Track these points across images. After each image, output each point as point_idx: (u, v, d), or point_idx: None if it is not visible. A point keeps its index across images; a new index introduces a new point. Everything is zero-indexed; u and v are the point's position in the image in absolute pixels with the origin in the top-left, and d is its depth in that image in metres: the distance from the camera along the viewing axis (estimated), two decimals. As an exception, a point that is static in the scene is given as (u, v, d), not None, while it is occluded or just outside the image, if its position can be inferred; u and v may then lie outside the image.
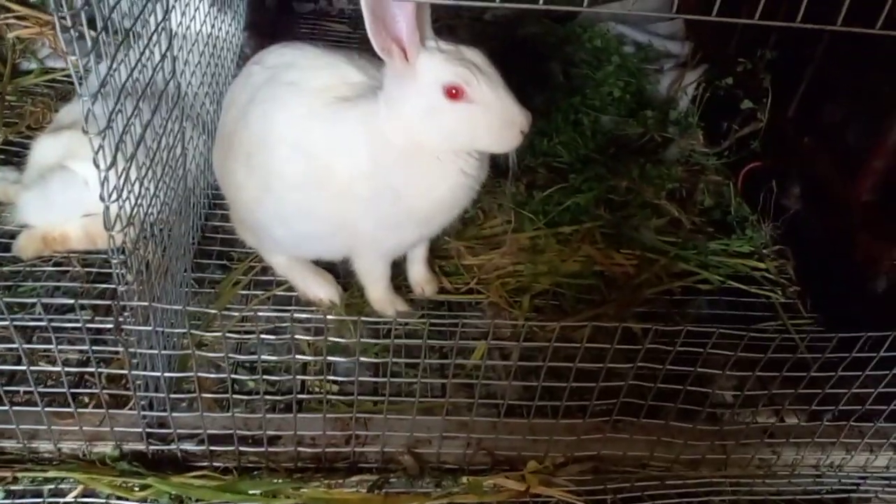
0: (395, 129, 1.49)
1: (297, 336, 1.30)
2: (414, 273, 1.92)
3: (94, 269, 1.85)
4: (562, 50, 2.72)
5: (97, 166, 1.04)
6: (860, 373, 1.42)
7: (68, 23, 0.88)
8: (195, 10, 1.86)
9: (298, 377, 1.61)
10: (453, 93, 1.43)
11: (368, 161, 1.53)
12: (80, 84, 0.96)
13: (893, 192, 1.89)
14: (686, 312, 1.97)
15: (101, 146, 1.04)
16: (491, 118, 1.47)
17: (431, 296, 1.92)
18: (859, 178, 1.97)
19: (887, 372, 1.42)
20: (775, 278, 2.09)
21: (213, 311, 1.25)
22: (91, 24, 1.00)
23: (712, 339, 1.32)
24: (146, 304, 1.22)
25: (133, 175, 1.21)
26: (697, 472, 1.56)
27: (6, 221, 1.91)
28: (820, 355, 1.40)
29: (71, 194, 1.77)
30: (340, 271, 1.91)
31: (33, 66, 2.49)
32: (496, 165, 2.29)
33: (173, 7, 1.62)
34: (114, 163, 1.08)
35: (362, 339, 1.57)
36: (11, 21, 2.51)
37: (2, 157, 2.13)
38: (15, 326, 1.41)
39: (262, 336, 1.29)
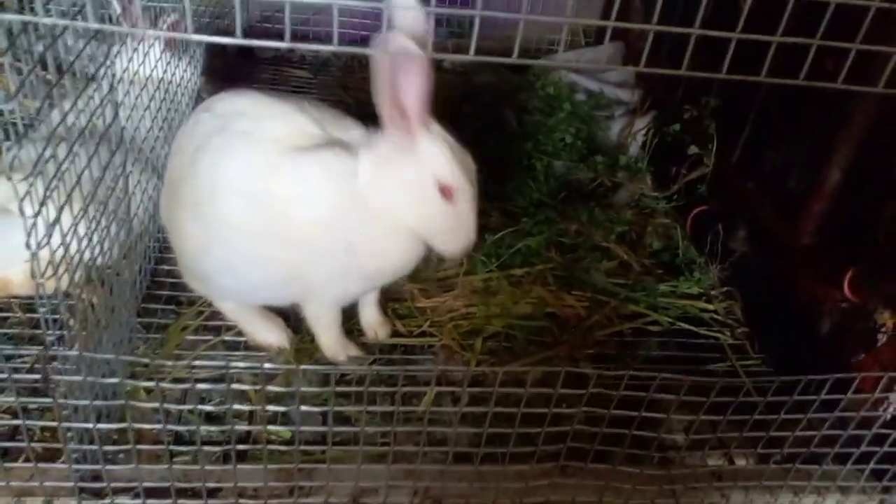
0: (375, 194, 1.50)
1: (236, 385, 1.28)
2: (366, 316, 1.91)
3: (38, 315, 1.79)
4: (516, 97, 2.78)
5: (22, 213, 1.02)
6: (803, 415, 1.44)
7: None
8: (145, 55, 1.85)
9: (242, 427, 1.58)
10: (446, 192, 1.47)
11: (329, 211, 1.52)
12: (6, 129, 0.94)
13: (832, 235, 1.94)
14: (637, 354, 1.98)
15: (27, 192, 1.02)
16: (460, 228, 1.54)
17: (384, 339, 1.90)
18: (800, 221, 2.02)
19: (830, 414, 1.44)
20: (723, 319, 2.12)
21: (145, 361, 1.21)
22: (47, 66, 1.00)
23: (656, 382, 1.33)
24: (76, 353, 1.18)
25: (67, 221, 1.19)
26: (647, 517, 1.55)
27: (-56, 266, 1.86)
28: (763, 398, 1.42)
29: (12, 239, 1.71)
30: (291, 315, 1.89)
31: (-21, 108, 2.46)
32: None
33: (118, 52, 1.62)
34: (41, 209, 1.06)
35: (306, 388, 1.54)
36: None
37: (-57, 200, 2.09)
38: (-54, 376, 1.37)
39: (200, 385, 1.26)
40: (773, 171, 2.19)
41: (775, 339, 2.04)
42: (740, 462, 1.69)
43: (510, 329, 1.97)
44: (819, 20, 1.06)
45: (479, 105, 2.72)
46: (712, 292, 2.19)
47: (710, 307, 2.15)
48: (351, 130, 1.60)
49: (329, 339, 1.78)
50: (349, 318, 1.87)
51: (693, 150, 2.40)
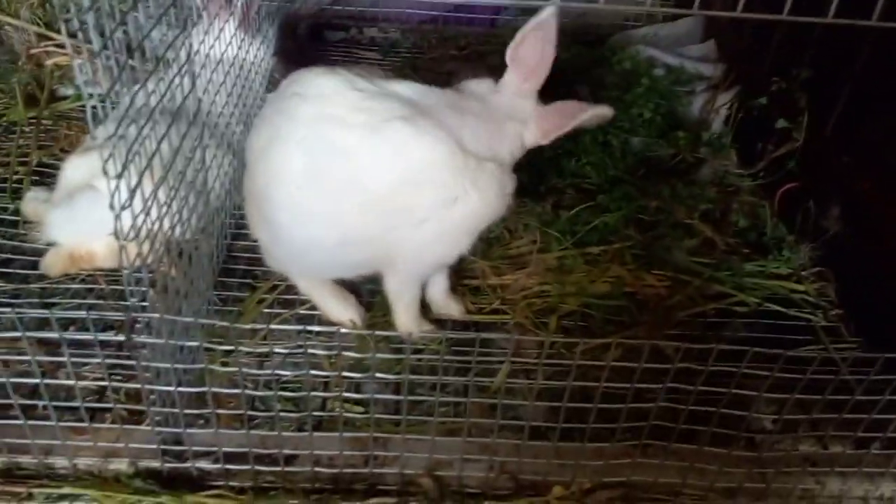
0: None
1: (312, 351, 1.27)
2: (436, 294, 1.88)
3: (121, 287, 1.85)
4: (591, 73, 2.70)
5: (106, 174, 1.03)
6: (907, 397, 1.34)
7: (83, 50, 0.88)
8: (219, 34, 1.87)
9: (318, 395, 1.58)
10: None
11: (448, 158, 1.56)
12: (94, 105, 0.95)
13: (939, 210, 1.80)
14: (721, 335, 1.89)
15: (111, 154, 1.03)
16: None
17: (458, 312, 1.87)
18: (902, 197, 1.89)
19: (938, 396, 1.34)
20: (815, 301, 2.00)
21: (226, 325, 1.22)
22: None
23: (747, 357, 1.26)
24: (157, 316, 1.20)
25: (147, 188, 1.20)
26: (735, 501, 1.47)
27: (35, 239, 1.93)
28: (864, 377, 1.32)
29: (97, 212, 1.76)
30: (364, 291, 1.88)
31: (70, 91, 2.55)
32: (521, 186, 2.27)
33: (195, 27, 1.64)
34: (123, 172, 1.07)
35: (383, 355, 1.53)
36: (51, 49, 2.58)
37: (35, 177, 2.18)
38: (38, 341, 1.42)
39: (277, 350, 1.26)
40: (872, 145, 2.05)
41: (874, 322, 1.91)
42: (834, 448, 1.59)
43: (586, 308, 1.91)
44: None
45: (552, 81, 2.64)
46: (803, 272, 2.07)
47: (801, 288, 2.02)
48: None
49: (407, 315, 1.76)
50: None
51: (781, 123, 2.27)
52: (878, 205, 1.98)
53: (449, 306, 1.88)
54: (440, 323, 1.84)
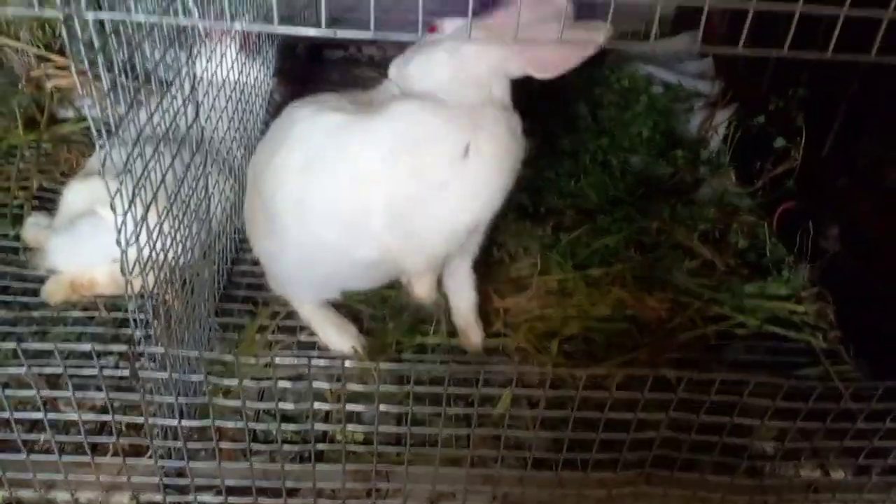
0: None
1: (316, 383, 1.27)
2: (463, 309, 1.85)
3: (121, 315, 1.86)
4: (590, 91, 2.71)
5: (114, 211, 1.03)
6: (908, 423, 1.34)
7: (87, 68, 0.88)
8: (222, 57, 1.88)
9: (319, 426, 1.57)
10: None
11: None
12: (98, 131, 0.96)
13: (938, 232, 1.81)
14: (722, 358, 1.89)
15: (118, 190, 1.03)
16: None
17: (473, 345, 1.84)
18: (901, 217, 1.89)
19: (939, 423, 1.34)
20: (815, 322, 2.00)
21: (229, 358, 1.22)
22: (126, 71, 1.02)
23: (749, 387, 1.26)
24: (162, 350, 1.20)
25: (153, 220, 1.21)
26: (738, 528, 1.47)
27: (36, 266, 1.93)
28: (864, 405, 1.33)
29: (99, 239, 1.78)
30: (364, 317, 1.89)
31: (70, 114, 2.56)
32: (521, 207, 2.28)
33: (198, 53, 1.65)
34: (131, 207, 1.07)
35: (384, 387, 1.52)
36: (51, 71, 2.59)
37: (35, 202, 2.17)
38: (39, 374, 1.42)
39: (280, 383, 1.26)
40: (870, 165, 2.06)
41: (873, 344, 1.91)
42: (836, 474, 1.59)
43: (588, 331, 1.90)
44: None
45: (551, 100, 2.66)
46: (802, 293, 2.07)
47: (801, 309, 2.02)
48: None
49: (425, 283, 1.74)
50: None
51: (780, 142, 2.28)
52: (876, 225, 1.99)
53: (468, 332, 1.85)
54: (441, 348, 1.84)
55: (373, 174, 1.48)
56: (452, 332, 1.87)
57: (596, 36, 1.34)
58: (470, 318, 1.86)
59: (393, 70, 1.64)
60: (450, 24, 1.61)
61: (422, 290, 1.74)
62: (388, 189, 1.48)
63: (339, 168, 1.50)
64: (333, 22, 3.49)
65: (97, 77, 0.98)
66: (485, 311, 1.94)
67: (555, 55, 1.42)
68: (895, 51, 1.03)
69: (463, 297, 1.85)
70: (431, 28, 1.62)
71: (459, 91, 1.50)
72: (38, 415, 1.29)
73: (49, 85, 2.53)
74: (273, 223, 1.63)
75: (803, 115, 2.26)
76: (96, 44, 0.90)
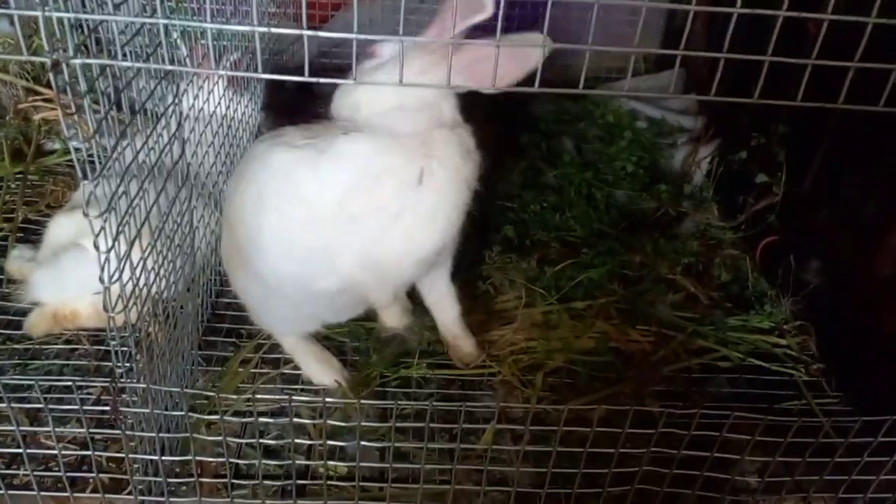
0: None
1: (297, 419, 1.27)
2: (447, 323, 1.87)
3: (104, 347, 1.85)
4: (574, 126, 2.75)
5: (97, 248, 1.04)
6: (889, 458, 1.35)
7: (71, 106, 0.90)
8: (209, 93, 1.90)
9: (301, 461, 1.57)
10: None
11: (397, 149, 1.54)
12: (83, 170, 0.97)
13: (915, 267, 1.84)
14: (706, 391, 1.90)
15: (101, 228, 1.04)
16: None
17: (468, 356, 1.87)
18: (879, 252, 1.92)
19: (918, 457, 1.35)
20: (797, 355, 2.02)
21: (210, 394, 1.22)
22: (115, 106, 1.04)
23: (728, 421, 1.27)
24: (144, 385, 1.20)
25: (136, 256, 1.21)
26: (721, 563, 1.47)
27: (19, 299, 1.93)
28: (845, 440, 1.34)
29: (83, 272, 1.78)
30: (348, 350, 1.89)
31: (57, 146, 2.57)
32: (506, 240, 2.31)
33: (185, 91, 1.67)
34: (114, 244, 1.08)
35: (366, 423, 1.52)
36: (39, 104, 2.60)
37: (20, 234, 2.17)
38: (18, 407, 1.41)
39: (262, 418, 1.26)
40: (849, 200, 2.10)
41: (855, 377, 1.93)
42: (818, 506, 1.59)
43: (572, 364, 1.91)
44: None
45: (537, 134, 2.70)
46: (785, 326, 2.09)
47: (783, 342, 2.05)
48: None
49: (393, 312, 1.79)
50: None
51: (761, 178, 2.32)
52: (856, 259, 2.02)
53: (458, 345, 1.87)
54: (426, 381, 1.84)
55: (328, 215, 1.49)
56: (436, 363, 1.88)
57: (533, 48, 1.34)
58: (456, 330, 1.87)
59: (337, 100, 1.64)
60: (388, 48, 1.60)
61: (391, 319, 1.76)
62: (346, 228, 1.49)
63: (291, 209, 1.51)
64: (322, 55, 3.53)
65: (83, 114, 1.00)
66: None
67: (494, 67, 1.43)
68: (862, 96, 1.06)
69: (445, 310, 1.86)
70: (370, 51, 1.62)
71: (409, 116, 1.51)
72: (18, 450, 1.27)
73: (37, 117, 2.54)
74: (239, 256, 1.65)
75: (784, 151, 2.30)
76: (83, 87, 0.92)
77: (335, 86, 3.72)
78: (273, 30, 0.94)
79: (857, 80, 1.04)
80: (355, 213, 1.48)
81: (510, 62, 1.36)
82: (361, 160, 1.49)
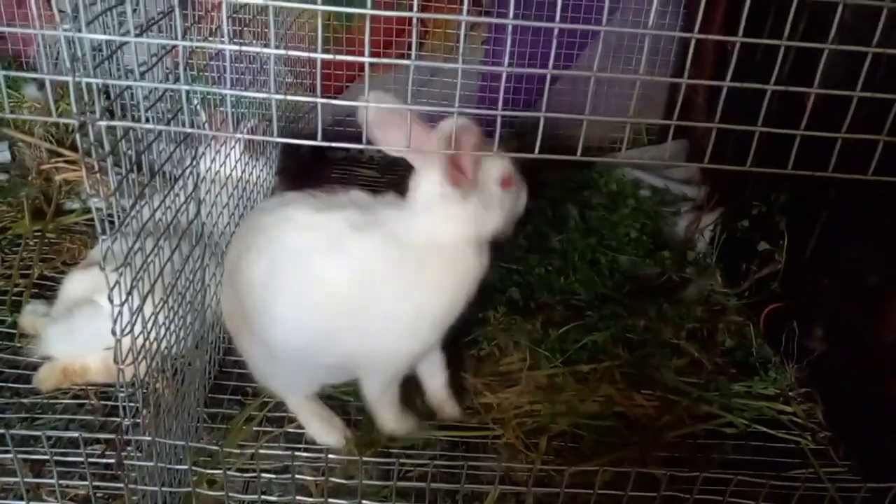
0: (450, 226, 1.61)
1: (300, 476, 1.28)
2: (434, 389, 1.92)
3: (112, 403, 1.86)
4: (579, 194, 2.81)
5: (111, 301, 1.07)
6: (897, 527, 1.34)
7: (95, 167, 0.95)
8: (226, 156, 1.97)
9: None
10: (506, 182, 1.64)
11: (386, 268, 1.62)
12: (101, 223, 1.02)
13: (919, 334, 1.85)
14: (711, 457, 1.88)
15: (116, 282, 1.08)
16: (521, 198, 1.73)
17: (451, 417, 1.90)
18: (884, 317, 1.93)
19: (927, 527, 1.33)
20: (804, 422, 2.00)
21: (215, 448, 1.23)
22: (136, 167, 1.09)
23: (731, 485, 1.26)
24: (149, 439, 1.21)
25: (148, 311, 1.25)
26: None
27: (30, 353, 1.95)
28: (851, 506, 1.33)
29: (94, 327, 1.81)
30: (351, 409, 1.89)
31: (76, 206, 2.64)
32: (512, 302, 2.33)
33: (204, 153, 1.74)
34: (128, 299, 1.12)
35: (368, 482, 1.52)
36: (61, 165, 2.69)
37: (35, 290, 2.22)
38: (24, 460, 1.42)
39: (264, 475, 1.26)
40: (851, 267, 2.12)
41: (863, 445, 1.91)
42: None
43: (577, 428, 1.91)
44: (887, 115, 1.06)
45: (542, 201, 2.75)
46: (790, 393, 2.08)
47: (789, 409, 2.03)
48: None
49: (389, 414, 1.80)
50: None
51: (763, 246, 2.36)
52: (859, 326, 2.03)
53: (443, 407, 1.91)
54: (428, 444, 1.84)
55: (332, 293, 1.59)
56: (441, 426, 1.88)
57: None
58: (443, 395, 1.92)
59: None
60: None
61: (389, 424, 1.80)
62: (343, 306, 1.60)
63: (304, 289, 1.61)
64: (336, 123, 3.66)
65: (105, 174, 1.05)
66: (473, 405, 1.96)
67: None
68: (849, 162, 1.11)
69: (434, 377, 1.91)
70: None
71: (423, 225, 1.60)
72: (21, 502, 1.28)
73: (58, 178, 2.63)
74: (245, 322, 1.72)
75: (785, 220, 2.34)
76: (107, 146, 0.97)
77: (346, 154, 3.82)
78: (289, 97, 1.00)
79: (850, 150, 1.08)
80: (366, 301, 1.58)
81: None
82: (371, 260, 1.58)
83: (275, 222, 1.65)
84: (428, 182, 1.59)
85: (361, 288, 1.58)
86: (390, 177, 3.39)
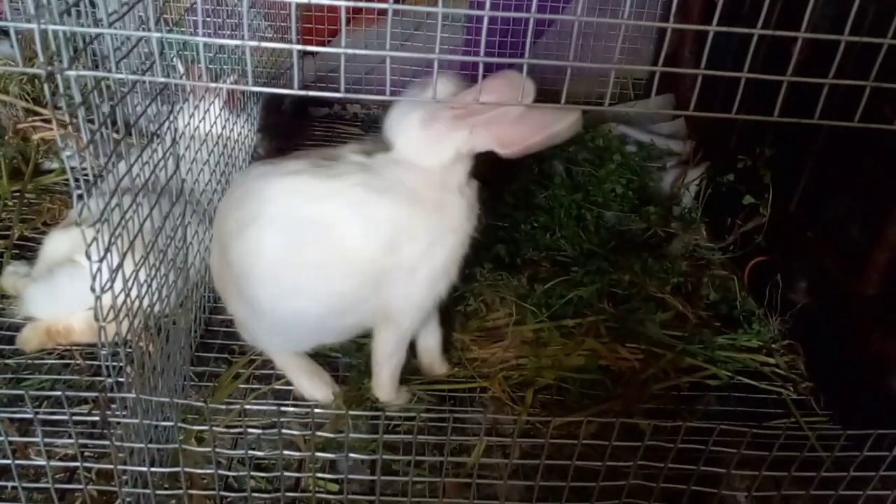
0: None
1: (287, 431, 1.28)
2: (429, 346, 1.93)
3: (97, 363, 1.86)
4: (564, 150, 2.79)
5: (89, 258, 1.06)
6: (875, 473, 1.36)
7: (67, 119, 0.92)
8: (205, 112, 1.94)
9: (291, 475, 1.57)
10: None
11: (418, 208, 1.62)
12: (77, 181, 0.99)
13: (899, 286, 1.87)
14: (695, 408, 1.91)
15: (94, 238, 1.06)
16: None
17: (440, 373, 1.93)
18: (865, 271, 1.95)
19: (903, 471, 1.36)
20: (786, 374, 2.03)
21: (201, 405, 1.23)
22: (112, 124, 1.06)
23: (714, 434, 1.28)
24: (133, 396, 1.21)
25: (129, 268, 1.23)
26: (709, 578, 1.47)
27: (12, 314, 1.94)
28: (830, 454, 1.35)
29: (76, 287, 1.79)
30: (339, 365, 1.90)
31: (55, 165, 2.60)
32: (498, 259, 2.33)
33: (182, 108, 1.70)
34: (106, 255, 1.10)
35: (355, 436, 1.53)
36: (38, 124, 2.63)
37: (16, 251, 2.19)
38: (10, 420, 1.42)
39: (252, 430, 1.27)
40: (834, 221, 2.13)
41: (843, 396, 1.95)
42: (807, 522, 1.60)
43: (562, 382, 1.93)
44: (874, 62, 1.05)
45: (527, 157, 2.73)
46: (773, 345, 2.11)
47: (772, 361, 2.06)
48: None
49: (391, 382, 1.80)
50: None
51: (748, 200, 2.36)
52: (842, 279, 2.05)
53: (434, 366, 1.93)
54: (417, 397, 1.85)
55: (358, 262, 1.58)
56: (430, 380, 1.90)
57: (563, 119, 1.46)
58: (435, 355, 1.94)
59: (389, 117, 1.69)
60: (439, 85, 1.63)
61: (384, 391, 1.80)
62: (370, 269, 1.59)
63: (330, 260, 1.58)
64: (319, 80, 3.62)
65: (78, 129, 1.02)
66: (461, 360, 1.98)
67: (518, 133, 1.51)
68: (835, 112, 1.10)
69: (428, 335, 1.91)
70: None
71: (423, 157, 1.60)
72: (6, 461, 1.28)
73: (35, 137, 2.57)
74: (243, 291, 1.66)
75: (770, 173, 2.34)
76: (77, 98, 0.95)
77: (329, 111, 3.77)
78: (262, 44, 0.97)
79: (837, 99, 1.07)
80: (396, 259, 1.58)
81: (533, 131, 1.48)
82: (398, 221, 1.58)
83: (284, 192, 1.59)
84: (406, 127, 1.59)
85: (391, 249, 1.57)
86: (374, 133, 3.34)
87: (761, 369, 2.04)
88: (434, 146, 1.59)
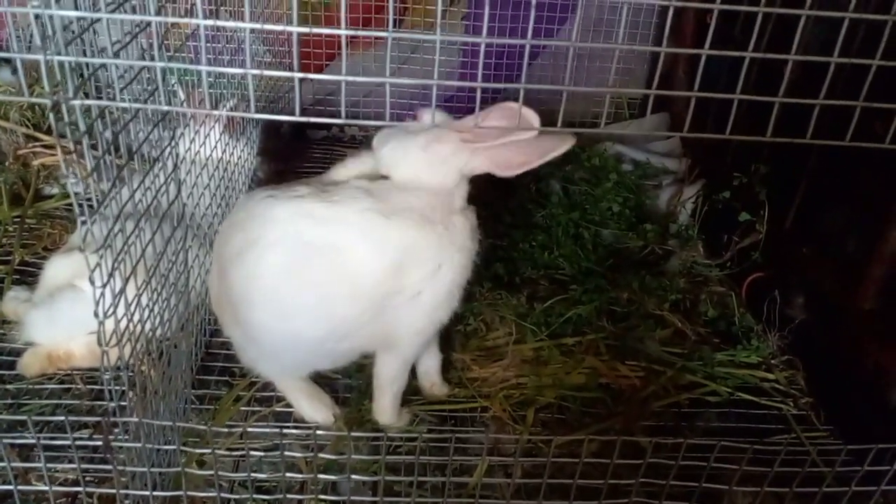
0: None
1: (289, 453, 1.28)
2: (429, 369, 1.93)
3: (98, 387, 1.86)
4: (561, 169, 2.82)
5: (92, 283, 1.07)
6: (876, 487, 1.37)
7: (72, 147, 0.94)
8: (205, 137, 1.96)
9: (293, 497, 1.57)
10: None
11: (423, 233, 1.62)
12: (80, 206, 1.01)
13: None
14: (695, 425, 1.92)
15: (97, 264, 1.08)
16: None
17: (441, 395, 1.93)
18: (861, 286, 1.96)
19: (903, 486, 1.36)
20: (786, 389, 2.04)
21: (203, 428, 1.23)
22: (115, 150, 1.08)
23: (715, 450, 1.29)
24: (136, 420, 1.21)
25: (131, 292, 1.24)
26: None
27: (13, 339, 1.94)
28: (831, 469, 1.35)
29: (77, 312, 1.81)
30: (339, 388, 1.90)
31: (56, 190, 2.61)
32: (497, 278, 2.34)
33: (183, 133, 1.72)
34: (109, 280, 1.11)
35: (357, 457, 1.53)
36: (39, 150, 2.65)
37: (17, 276, 2.20)
38: (11, 445, 1.42)
39: (254, 452, 1.27)
40: (830, 236, 2.15)
41: (843, 410, 1.95)
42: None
43: (563, 400, 1.93)
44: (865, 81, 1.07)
45: (525, 176, 2.75)
46: (772, 361, 2.12)
47: (771, 376, 2.07)
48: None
49: (393, 405, 1.79)
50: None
51: (744, 216, 2.38)
52: (838, 294, 2.06)
53: (434, 389, 1.93)
54: (417, 417, 1.85)
55: (362, 286, 1.57)
56: (431, 401, 1.90)
57: (560, 143, 1.54)
58: (435, 378, 1.94)
59: (374, 143, 1.73)
60: (428, 116, 1.70)
61: (385, 415, 1.80)
62: (374, 293, 1.58)
63: (336, 283, 1.57)
64: (317, 102, 3.64)
65: (82, 156, 1.04)
66: (461, 379, 1.98)
67: (517, 156, 1.57)
68: (827, 130, 1.12)
69: (428, 358, 1.92)
70: (416, 115, 1.76)
71: (427, 180, 1.63)
72: (8, 487, 1.28)
73: (36, 163, 2.59)
74: (240, 314, 1.65)
75: (766, 190, 2.37)
76: (82, 127, 0.96)
77: (327, 133, 3.80)
78: (264, 72, 0.99)
79: (828, 118, 1.09)
80: (404, 283, 1.58)
81: (531, 153, 1.54)
82: (408, 243, 1.57)
83: (289, 216, 1.58)
84: (409, 151, 1.63)
85: (399, 272, 1.57)
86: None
87: (761, 385, 2.05)
88: (439, 168, 1.62)
